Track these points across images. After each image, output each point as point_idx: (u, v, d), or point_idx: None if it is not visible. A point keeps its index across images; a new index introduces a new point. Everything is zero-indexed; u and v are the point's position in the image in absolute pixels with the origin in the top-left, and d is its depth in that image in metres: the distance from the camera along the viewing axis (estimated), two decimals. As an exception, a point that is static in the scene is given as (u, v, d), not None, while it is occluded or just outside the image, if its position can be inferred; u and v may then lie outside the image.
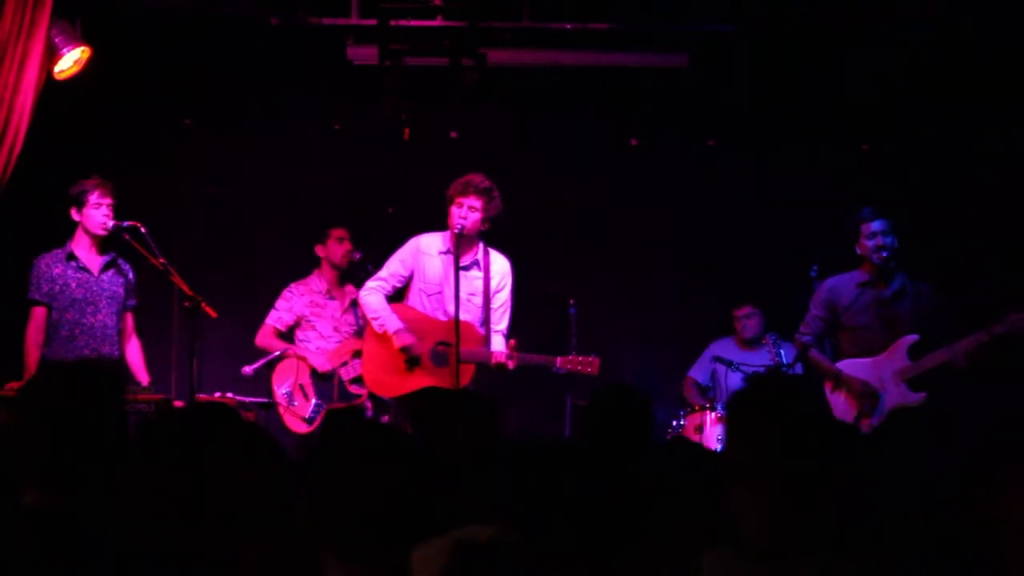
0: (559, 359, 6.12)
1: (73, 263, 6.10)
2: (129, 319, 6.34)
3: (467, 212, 6.13)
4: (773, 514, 2.11)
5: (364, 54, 7.09)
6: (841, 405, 6.05)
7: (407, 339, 6.16)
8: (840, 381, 6.10)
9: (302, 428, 6.77)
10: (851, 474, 2.46)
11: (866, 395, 6.01)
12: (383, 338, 6.25)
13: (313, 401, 6.83)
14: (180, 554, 2.32)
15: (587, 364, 6.10)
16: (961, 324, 5.93)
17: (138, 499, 2.39)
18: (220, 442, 2.59)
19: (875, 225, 6.05)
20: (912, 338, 6.01)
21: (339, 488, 2.15)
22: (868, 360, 6.09)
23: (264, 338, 7.00)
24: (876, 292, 6.12)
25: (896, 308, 6.10)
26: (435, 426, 3.43)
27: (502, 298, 6.33)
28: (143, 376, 6.27)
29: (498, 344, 6.22)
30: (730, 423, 2.25)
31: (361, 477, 2.15)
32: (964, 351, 5.81)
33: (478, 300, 6.26)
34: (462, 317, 6.08)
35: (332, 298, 7.09)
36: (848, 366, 6.14)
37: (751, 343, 7.64)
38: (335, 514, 2.13)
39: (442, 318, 6.21)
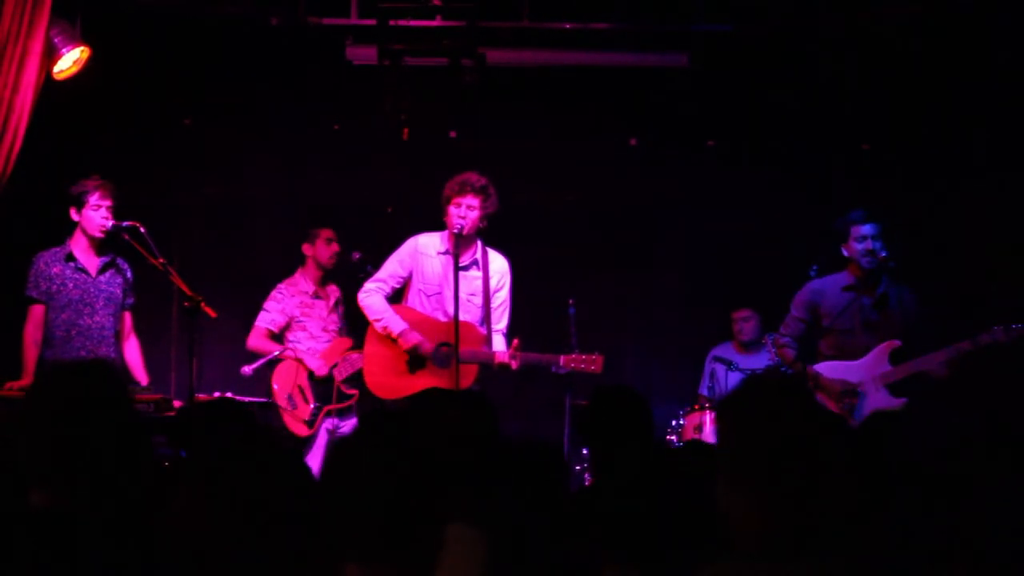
0: (562, 357, 6.10)
1: (71, 264, 6.09)
2: (127, 318, 6.33)
3: (465, 211, 6.12)
4: (766, 514, 2.10)
5: (363, 54, 7.08)
6: None
7: (414, 338, 6.14)
8: (818, 383, 6.08)
9: (303, 431, 6.78)
10: (846, 472, 2.46)
11: (845, 396, 6.00)
12: (384, 340, 6.23)
13: (312, 404, 6.84)
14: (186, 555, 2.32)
15: (591, 362, 6.09)
16: (945, 331, 5.93)
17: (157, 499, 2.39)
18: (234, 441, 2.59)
19: (866, 228, 6.01)
20: (894, 343, 6.00)
21: (367, 488, 2.14)
22: (849, 363, 6.08)
23: (257, 340, 6.97)
24: (860, 296, 6.09)
25: (880, 313, 6.08)
26: (434, 426, 3.42)
27: (501, 297, 6.32)
28: (142, 376, 6.26)
29: (499, 343, 6.22)
30: (723, 422, 2.23)
31: (392, 477, 2.15)
32: (944, 361, 5.81)
33: (478, 300, 6.25)
34: (462, 317, 6.08)
35: (318, 298, 7.10)
36: (828, 368, 6.11)
37: (749, 346, 7.64)
38: (358, 514, 2.12)
39: (442, 319, 6.20)
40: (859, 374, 6.03)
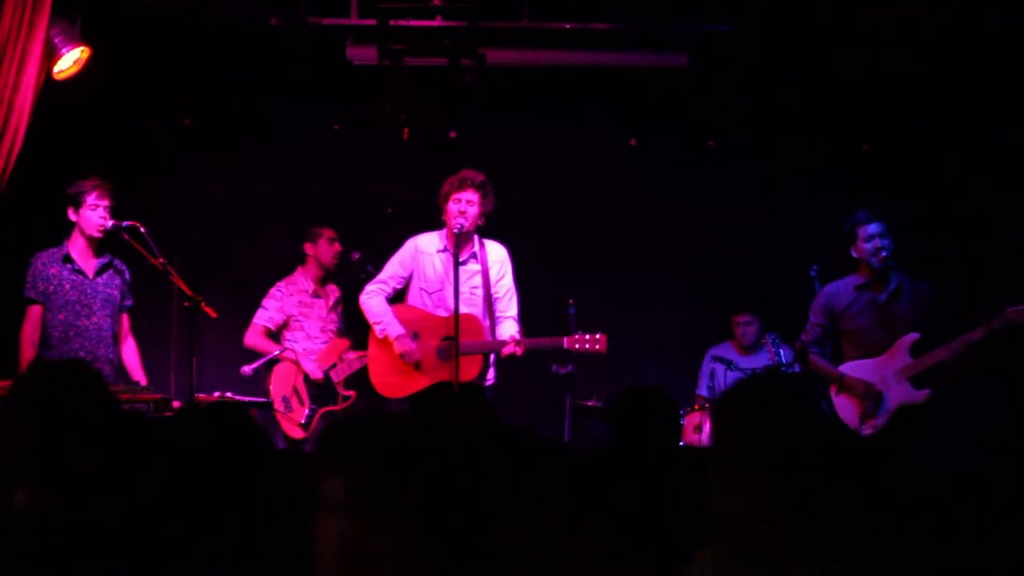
0: (566, 339, 6.13)
1: (69, 265, 6.08)
2: (125, 320, 6.32)
3: (465, 207, 6.14)
4: (764, 515, 2.10)
5: (363, 54, 7.09)
6: (845, 408, 6.06)
7: (406, 346, 6.18)
8: (843, 384, 6.11)
9: (298, 433, 6.80)
10: (848, 475, 2.46)
11: (869, 395, 6.02)
12: (386, 340, 6.26)
13: (308, 405, 6.85)
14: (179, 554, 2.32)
15: (595, 342, 6.12)
16: (962, 322, 5.94)
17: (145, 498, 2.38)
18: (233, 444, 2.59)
19: (872, 228, 6.05)
20: (913, 336, 6.03)
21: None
22: (870, 361, 6.10)
23: (254, 338, 6.98)
24: (874, 294, 6.12)
25: (895, 308, 6.10)
26: (435, 422, 3.42)
27: (505, 285, 6.33)
28: (140, 376, 6.25)
29: (511, 329, 6.22)
30: (719, 422, 2.23)
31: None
32: (952, 353, 5.83)
33: (480, 292, 6.27)
34: (467, 311, 6.10)
35: (318, 297, 7.11)
36: (850, 368, 6.14)
37: (749, 349, 7.63)
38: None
39: (444, 315, 6.22)
40: (881, 370, 6.06)
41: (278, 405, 6.80)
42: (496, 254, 6.36)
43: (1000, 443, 2.42)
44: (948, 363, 5.89)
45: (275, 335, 7.02)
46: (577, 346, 6.12)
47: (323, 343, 7.02)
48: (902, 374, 6.01)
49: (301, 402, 6.86)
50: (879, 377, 6.05)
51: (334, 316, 7.09)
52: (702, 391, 7.64)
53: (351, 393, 6.86)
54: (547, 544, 2.40)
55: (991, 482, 2.24)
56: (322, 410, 6.86)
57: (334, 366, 6.88)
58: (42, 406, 2.35)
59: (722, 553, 2.14)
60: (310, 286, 7.10)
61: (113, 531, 2.19)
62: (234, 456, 2.45)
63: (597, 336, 6.12)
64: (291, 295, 7.07)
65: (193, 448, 2.55)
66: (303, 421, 6.82)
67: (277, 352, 6.85)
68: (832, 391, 6.16)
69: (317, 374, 6.85)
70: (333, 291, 7.14)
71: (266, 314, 7.03)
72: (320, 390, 6.88)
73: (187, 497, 2.35)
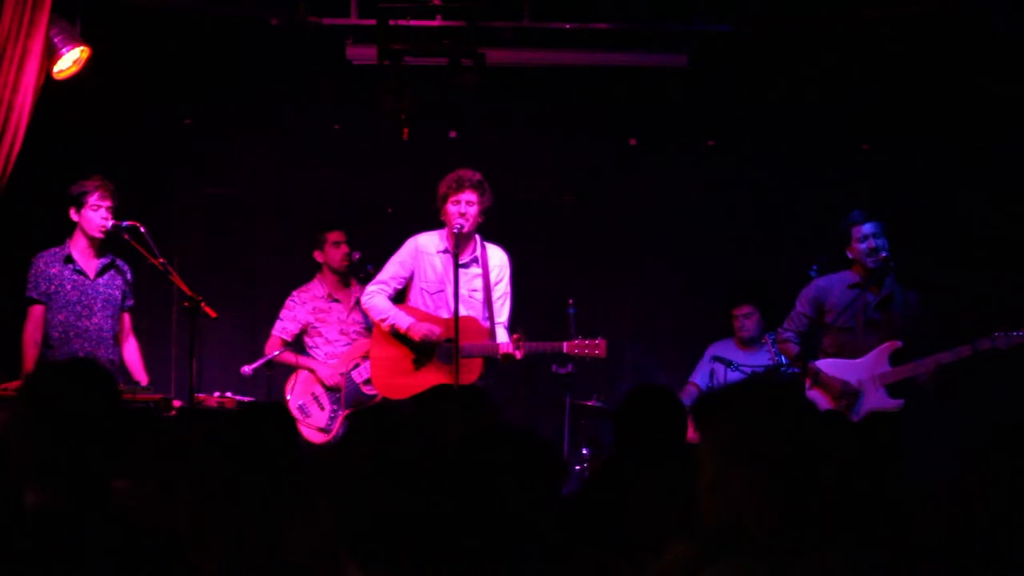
0: (565, 344, 6.13)
1: (70, 266, 6.09)
2: (126, 319, 6.33)
3: (465, 207, 6.14)
4: (762, 513, 2.09)
5: (363, 54, 7.08)
6: (818, 403, 6.03)
7: (423, 329, 6.14)
8: (818, 380, 6.09)
9: (319, 438, 6.78)
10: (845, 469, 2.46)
11: (845, 395, 6.01)
12: (388, 342, 6.24)
13: (328, 409, 6.84)
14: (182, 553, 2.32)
15: (594, 347, 6.11)
16: (946, 334, 5.94)
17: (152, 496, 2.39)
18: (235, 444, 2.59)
19: (867, 228, 6.04)
20: (895, 344, 6.02)
21: (365, 491, 2.14)
22: (849, 361, 6.09)
23: (272, 349, 6.98)
24: (865, 295, 6.11)
25: (883, 314, 6.10)
26: (434, 421, 3.43)
27: (501, 289, 6.34)
28: (141, 376, 6.26)
29: (501, 336, 6.22)
30: (714, 420, 2.22)
31: (389, 480, 2.14)
32: (927, 371, 5.82)
33: (479, 296, 6.28)
34: (467, 313, 6.09)
35: (335, 301, 7.09)
36: (828, 365, 6.12)
37: (750, 343, 7.61)
38: (359, 519, 2.12)
39: (446, 315, 6.22)
40: (859, 373, 6.04)
41: (295, 412, 6.79)
42: (496, 259, 6.37)
43: (973, 461, 2.43)
44: (927, 376, 5.87)
45: (294, 344, 7.01)
46: (577, 351, 6.12)
47: (345, 345, 7.00)
48: (879, 380, 6.00)
49: (321, 407, 6.86)
50: (856, 379, 6.04)
51: (357, 316, 7.05)
52: (697, 380, 7.61)
53: (374, 392, 6.83)
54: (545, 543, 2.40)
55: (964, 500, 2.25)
56: (344, 412, 6.84)
57: (357, 366, 6.87)
58: (52, 406, 2.35)
59: (701, 551, 2.13)
60: (324, 291, 7.09)
61: (124, 530, 2.19)
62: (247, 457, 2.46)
63: (597, 341, 6.12)
64: (304, 303, 7.06)
65: (209, 448, 2.56)
66: (324, 425, 6.81)
67: (276, 353, 6.86)
68: (806, 384, 6.15)
69: (331, 380, 6.85)
70: (355, 291, 7.09)
71: (281, 324, 7.04)
72: (346, 392, 6.86)
73: (197, 496, 2.36)
